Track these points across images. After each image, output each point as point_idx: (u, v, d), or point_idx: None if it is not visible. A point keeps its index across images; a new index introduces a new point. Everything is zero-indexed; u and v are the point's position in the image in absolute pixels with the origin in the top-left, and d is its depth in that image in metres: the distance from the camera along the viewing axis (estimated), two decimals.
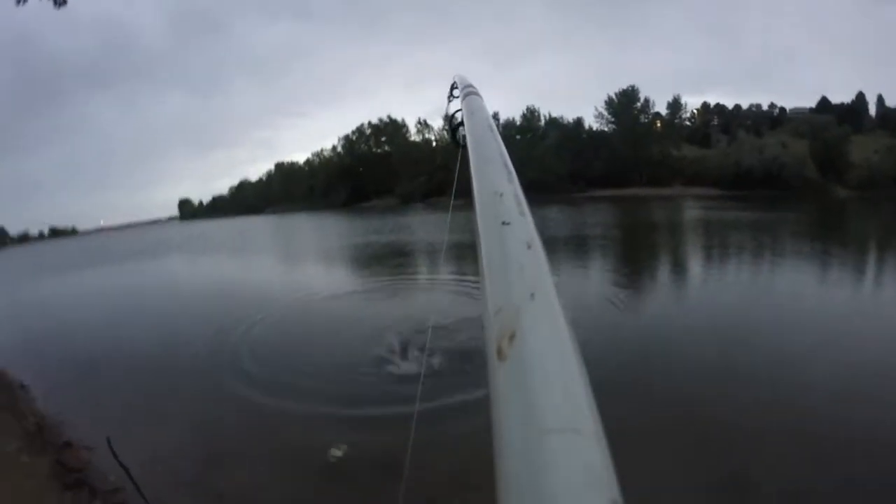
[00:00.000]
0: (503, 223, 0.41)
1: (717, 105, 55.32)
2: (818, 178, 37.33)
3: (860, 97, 51.22)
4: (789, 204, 28.30)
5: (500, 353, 0.29)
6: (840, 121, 43.30)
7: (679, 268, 12.30)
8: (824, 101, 51.83)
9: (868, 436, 3.73)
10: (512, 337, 0.30)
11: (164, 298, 11.63)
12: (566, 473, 0.22)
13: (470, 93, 1.01)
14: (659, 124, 46.58)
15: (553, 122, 48.13)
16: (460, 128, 0.94)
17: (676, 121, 48.86)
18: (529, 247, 0.38)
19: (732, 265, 12.19)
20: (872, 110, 50.82)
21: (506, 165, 0.53)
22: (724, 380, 4.88)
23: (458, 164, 0.79)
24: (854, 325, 6.57)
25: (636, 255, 14.77)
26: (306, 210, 53.43)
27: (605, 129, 45.56)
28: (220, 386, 5.31)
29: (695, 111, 53.75)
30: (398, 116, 59.66)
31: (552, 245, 15.70)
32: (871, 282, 9.81)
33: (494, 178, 0.51)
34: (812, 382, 4.71)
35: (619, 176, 40.23)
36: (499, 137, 0.64)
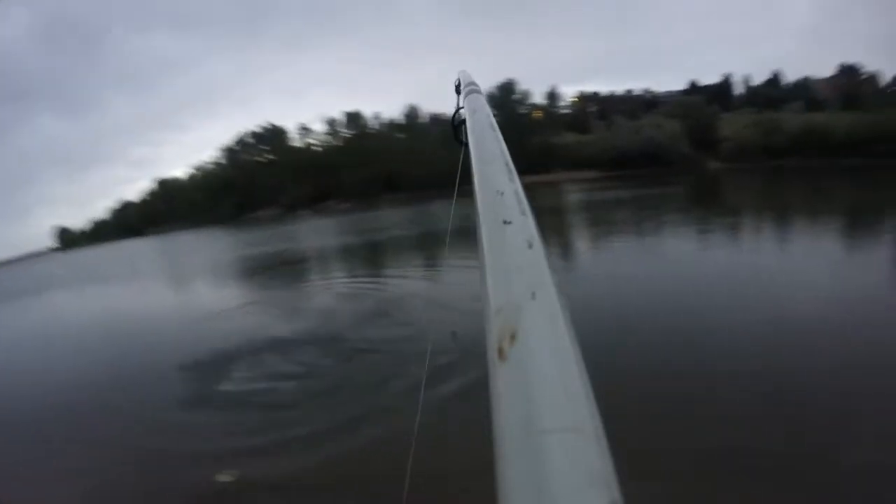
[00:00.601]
0: (504, 222, 0.41)
1: (594, 93, 57.84)
2: (693, 154, 40.17)
3: (727, 78, 55.19)
4: (666, 179, 30.13)
5: (500, 352, 0.29)
6: (710, 100, 46.67)
7: (565, 248, 13.10)
8: (694, 85, 55.22)
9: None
10: (513, 337, 0.30)
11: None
12: (566, 473, 0.22)
13: (472, 91, 1.01)
14: (538, 114, 47.95)
15: (435, 119, 47.82)
16: (462, 125, 0.94)
17: (555, 110, 50.82)
18: (531, 246, 0.38)
19: (610, 240, 13.56)
20: (742, 90, 54.84)
21: (507, 164, 0.53)
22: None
23: (460, 162, 0.79)
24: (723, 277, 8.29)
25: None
26: (191, 227, 49.69)
27: None
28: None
29: (573, 99, 55.77)
30: (280, 123, 57.27)
31: (434, 241, 16.37)
32: (731, 241, 11.82)
33: (495, 176, 0.50)
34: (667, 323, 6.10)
35: None
36: (500, 136, 0.63)
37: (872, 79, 44.94)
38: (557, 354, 0.29)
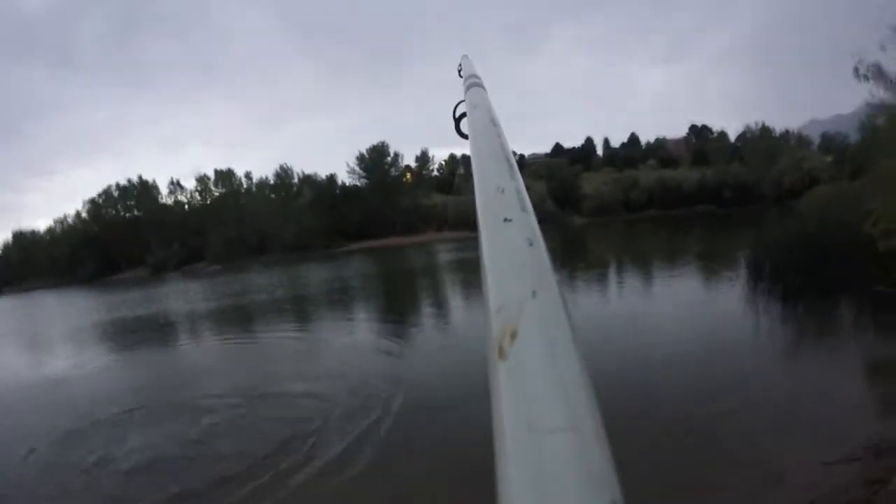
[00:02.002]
0: (505, 220, 0.41)
1: (463, 155, 62.68)
2: (558, 211, 43.82)
3: (589, 141, 61.74)
4: None
5: (500, 351, 0.29)
6: (572, 161, 51.81)
7: (433, 305, 14.76)
8: (558, 146, 61.04)
9: None
10: (513, 335, 0.30)
11: None
12: (567, 473, 0.22)
13: (473, 84, 1.00)
14: (409, 176, 49.79)
15: (307, 180, 48.69)
16: (463, 119, 0.93)
17: (425, 172, 52.93)
18: (531, 244, 0.38)
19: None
20: (601, 151, 61.37)
21: (507, 160, 0.53)
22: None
23: (466, 168, 0.79)
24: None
25: (395, 300, 17.22)
26: (50, 287, 46.60)
27: (358, 183, 47.39)
28: None
29: (442, 162, 58.72)
30: (149, 177, 53.75)
31: (312, 304, 17.42)
32: (597, 283, 14.78)
33: (496, 173, 0.50)
34: None
35: (375, 227, 42.05)
36: (502, 131, 0.63)
37: (719, 137, 50.81)
38: (558, 353, 0.29)
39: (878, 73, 8.02)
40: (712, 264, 16.36)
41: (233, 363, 10.44)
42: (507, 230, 0.40)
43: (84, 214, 55.89)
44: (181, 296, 24.28)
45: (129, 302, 23.86)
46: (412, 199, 44.96)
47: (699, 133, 53.91)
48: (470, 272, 20.44)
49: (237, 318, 16.28)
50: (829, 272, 8.94)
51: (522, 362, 0.28)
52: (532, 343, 0.29)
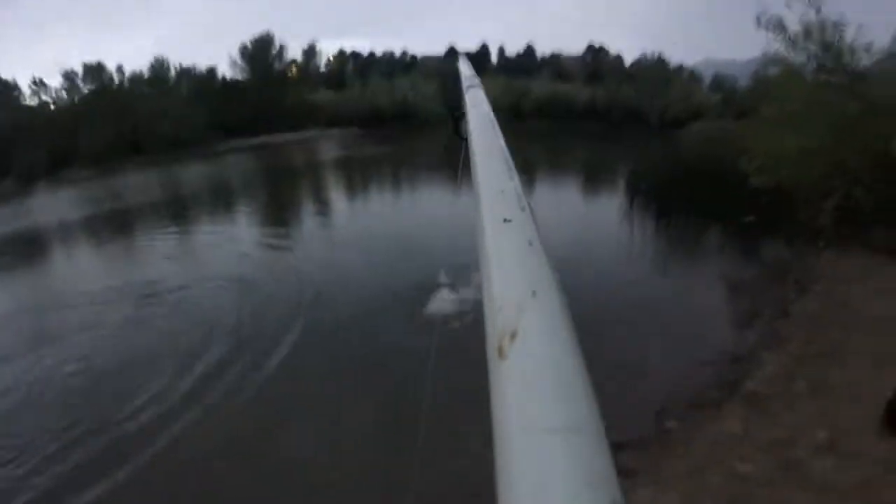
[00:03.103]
0: (504, 220, 0.41)
1: (353, 52, 59.09)
2: (444, 111, 42.38)
3: (484, 47, 59.39)
4: (419, 135, 32.59)
5: (500, 351, 0.29)
6: None
7: (317, 202, 14.97)
8: (452, 50, 57.44)
9: None
10: (513, 335, 0.30)
11: None
12: (567, 473, 0.22)
13: (472, 85, 1.00)
14: (295, 70, 47.32)
15: (185, 73, 44.95)
16: (463, 120, 0.94)
17: (312, 67, 50.27)
18: (531, 244, 0.38)
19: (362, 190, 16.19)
20: (495, 59, 59.30)
21: (507, 161, 0.53)
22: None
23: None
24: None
25: (278, 198, 16.81)
26: None
27: (241, 77, 44.47)
28: None
29: (331, 57, 55.50)
30: (7, 76, 45.76)
31: (191, 204, 16.84)
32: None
33: (496, 174, 0.50)
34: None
35: (259, 124, 39.63)
36: (500, 133, 0.63)
37: (615, 59, 51.01)
38: (558, 353, 0.29)
39: (779, 27, 8.32)
40: (595, 176, 16.74)
41: (110, 270, 9.84)
42: (507, 230, 0.40)
43: None
44: (51, 206, 21.93)
45: None
46: (298, 95, 43.03)
47: (596, 54, 53.40)
48: (353, 169, 20.70)
49: (114, 224, 15.14)
50: (703, 199, 9.34)
51: (522, 362, 0.28)
52: (532, 343, 0.29)
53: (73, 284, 9.12)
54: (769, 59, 9.04)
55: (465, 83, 1.04)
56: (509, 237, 0.39)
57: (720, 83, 41.45)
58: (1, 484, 4.14)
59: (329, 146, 30.64)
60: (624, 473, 3.11)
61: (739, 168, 8.09)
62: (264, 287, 7.65)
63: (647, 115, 37.03)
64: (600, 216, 10.94)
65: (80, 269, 10.77)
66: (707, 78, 44.77)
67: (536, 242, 0.38)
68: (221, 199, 17.20)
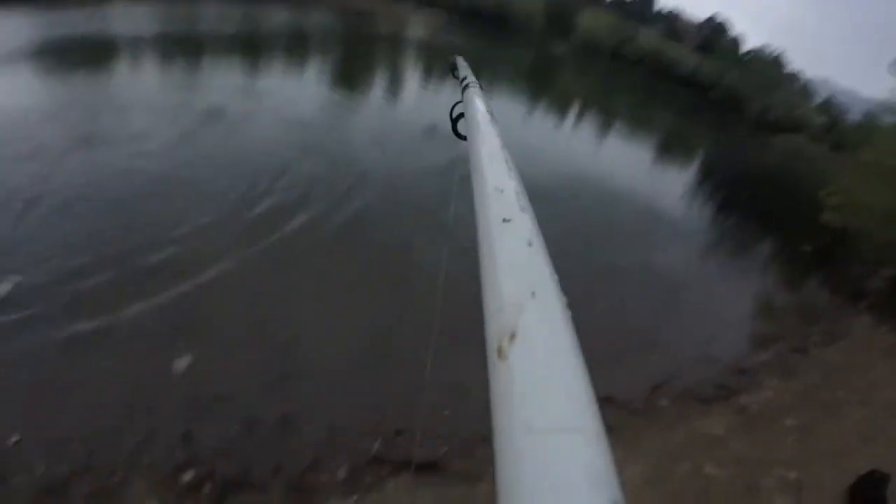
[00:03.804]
0: (504, 220, 0.41)
1: None
2: (544, 31, 41.73)
3: None
4: (510, 45, 31.85)
5: (500, 352, 0.29)
6: None
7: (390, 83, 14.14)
8: None
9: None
10: (513, 336, 0.30)
11: None
12: (567, 473, 0.22)
13: (469, 84, 1.00)
14: None
15: None
16: (461, 119, 0.93)
17: None
18: (530, 244, 0.38)
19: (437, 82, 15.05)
20: None
21: (506, 161, 0.53)
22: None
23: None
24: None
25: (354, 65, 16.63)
26: None
27: None
28: None
29: None
30: None
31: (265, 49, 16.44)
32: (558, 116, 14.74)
33: (494, 173, 0.50)
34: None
35: None
36: (498, 130, 0.63)
37: (732, 41, 48.64)
38: (557, 354, 0.29)
39: None
40: (673, 145, 16.39)
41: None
42: (507, 230, 0.40)
43: None
44: (127, 18, 20.31)
45: (65, 21, 20.15)
46: None
47: (716, 27, 50.72)
48: (433, 56, 19.88)
49: (185, 49, 14.70)
50: (771, 210, 9.50)
51: (522, 363, 0.28)
52: (532, 344, 0.29)
53: (132, 93, 9.04)
54: (889, 107, 8.96)
55: (462, 82, 1.03)
56: (509, 237, 0.39)
57: (830, 107, 39.96)
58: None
59: (417, 24, 29.86)
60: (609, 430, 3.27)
61: (817, 197, 8.07)
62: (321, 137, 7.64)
63: (745, 107, 35.23)
64: (665, 188, 10.64)
65: (143, 83, 10.41)
66: (819, 97, 42.94)
67: (536, 242, 0.38)
68: (295, 52, 16.86)
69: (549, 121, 14.03)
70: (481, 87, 0.97)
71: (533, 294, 0.33)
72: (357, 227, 5.51)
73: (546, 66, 29.48)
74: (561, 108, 16.56)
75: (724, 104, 36.03)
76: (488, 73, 18.77)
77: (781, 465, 3.53)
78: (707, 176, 11.37)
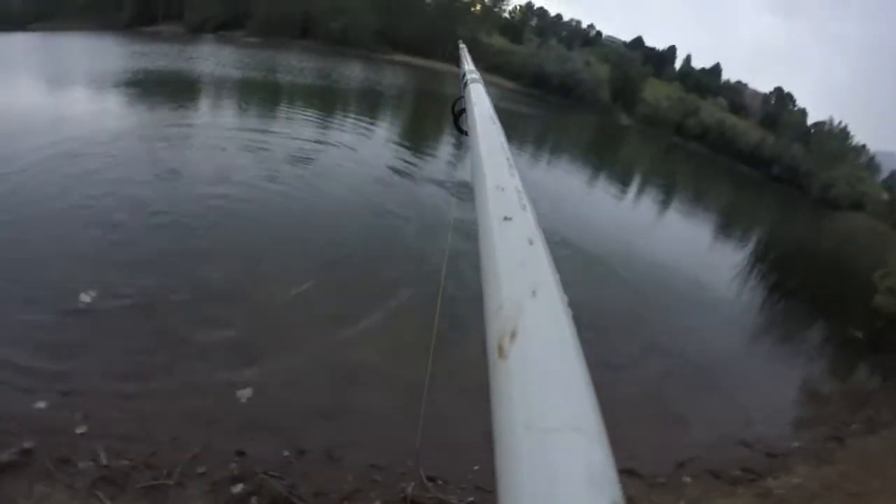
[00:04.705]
0: (505, 218, 0.41)
1: (540, 8, 58.80)
2: (608, 102, 42.26)
3: (671, 49, 57.51)
4: (575, 115, 32.78)
5: (500, 351, 0.29)
6: (645, 61, 48.45)
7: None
8: (639, 40, 56.82)
9: None
10: (513, 335, 0.30)
11: None
12: (567, 473, 0.22)
13: (473, 80, 1.00)
14: (478, 7, 47.24)
15: None
16: (463, 115, 0.93)
17: (496, 9, 50.13)
18: (531, 243, 0.38)
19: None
20: (678, 65, 57.70)
21: (507, 159, 0.52)
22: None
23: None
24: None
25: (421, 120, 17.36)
26: (81, 28, 40.54)
27: None
28: None
29: (518, 6, 55.32)
30: None
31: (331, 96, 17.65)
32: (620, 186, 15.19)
33: (496, 171, 0.50)
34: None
35: (425, 46, 39.71)
36: (501, 128, 0.62)
37: (797, 113, 48.38)
38: (558, 352, 0.29)
39: None
40: (729, 222, 16.34)
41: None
42: (507, 229, 0.40)
43: None
44: (213, 58, 23.25)
45: (155, 54, 21.99)
46: (472, 31, 41.41)
47: (781, 98, 50.87)
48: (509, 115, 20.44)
49: (264, 92, 16.29)
50: (825, 292, 9.23)
51: (522, 362, 0.28)
52: (532, 343, 0.29)
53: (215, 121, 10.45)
54: None
55: (466, 77, 1.03)
56: (509, 236, 0.39)
57: (894, 183, 39.27)
58: None
59: (490, 91, 31.12)
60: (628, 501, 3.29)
61: (871, 278, 7.82)
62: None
63: (807, 183, 34.76)
64: (718, 266, 10.62)
65: (222, 117, 11.73)
66: (885, 171, 42.06)
67: (537, 241, 0.38)
68: (366, 103, 17.81)
69: (608, 190, 14.26)
70: (483, 83, 0.96)
71: (534, 293, 0.32)
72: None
73: (609, 137, 29.97)
74: (621, 179, 16.90)
75: (785, 180, 35.88)
76: (552, 140, 19.54)
77: None
78: (761, 256, 11.32)
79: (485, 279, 0.36)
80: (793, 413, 5.94)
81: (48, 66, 17.27)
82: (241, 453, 3.09)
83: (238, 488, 2.86)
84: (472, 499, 3.14)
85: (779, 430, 5.29)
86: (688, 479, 3.94)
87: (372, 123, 14.12)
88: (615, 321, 5.99)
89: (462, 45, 1.22)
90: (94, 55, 20.87)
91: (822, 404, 6.35)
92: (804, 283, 9.63)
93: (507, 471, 0.23)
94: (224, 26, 41.59)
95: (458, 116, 1.01)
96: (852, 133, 41.22)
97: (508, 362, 0.28)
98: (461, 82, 1.04)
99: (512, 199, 0.44)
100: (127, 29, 42.78)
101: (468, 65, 1.14)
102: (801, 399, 6.43)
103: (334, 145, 10.53)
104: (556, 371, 0.28)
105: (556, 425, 0.24)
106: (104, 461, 2.85)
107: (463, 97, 0.94)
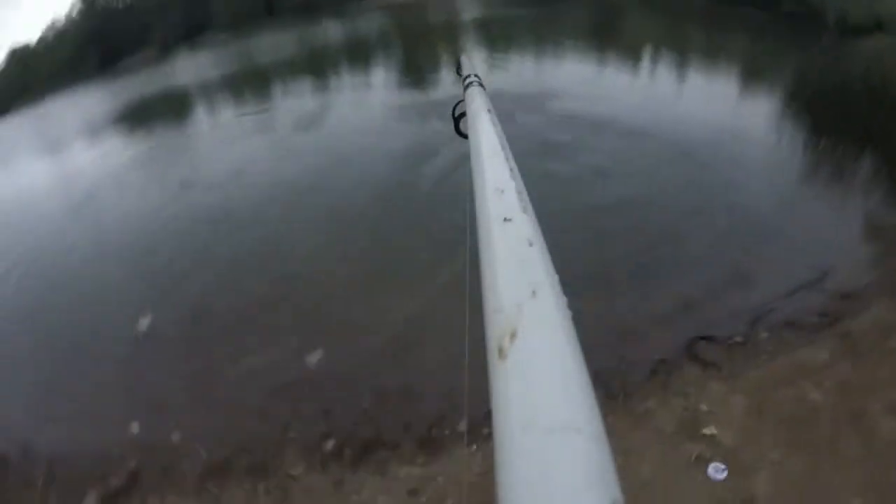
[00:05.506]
0: (504, 220, 0.41)
1: None
2: None
3: None
4: (567, 4, 27.92)
5: (500, 351, 0.29)
6: None
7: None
8: None
9: None
10: (513, 336, 0.30)
11: None
12: (567, 473, 0.22)
13: (473, 83, 1.00)
14: None
15: None
16: (463, 118, 0.93)
17: None
18: (531, 244, 0.38)
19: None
20: None
21: (507, 160, 0.53)
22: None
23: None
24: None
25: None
26: (55, 91, 39.34)
27: None
28: None
29: None
30: None
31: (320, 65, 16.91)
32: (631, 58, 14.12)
33: (495, 173, 0.50)
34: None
35: None
36: (501, 130, 0.63)
37: None
38: (558, 353, 0.29)
39: None
40: (755, 70, 15.08)
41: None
42: (508, 230, 0.40)
43: (75, 14, 47.95)
44: (190, 68, 23.38)
45: (135, 84, 22.01)
46: None
47: None
48: (491, 35, 19.18)
49: (249, 81, 16.23)
50: (862, 120, 8.37)
51: (522, 362, 0.28)
52: (532, 343, 0.29)
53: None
54: None
55: (465, 80, 1.03)
56: (509, 237, 0.39)
57: None
58: None
59: (468, 4, 27.76)
60: (704, 364, 3.35)
61: None
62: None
63: (823, 13, 32.04)
64: (750, 119, 9.55)
65: (217, 116, 12.15)
66: None
67: (537, 242, 0.38)
68: (354, 59, 17.36)
69: (620, 71, 13.18)
70: (483, 86, 0.96)
71: (533, 294, 0.32)
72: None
73: (606, 19, 26.50)
74: (630, 57, 15.25)
75: (798, 16, 33.78)
76: (549, 39, 17.88)
77: (888, 387, 3.35)
78: (795, 96, 10.35)
79: (485, 280, 0.36)
80: (860, 249, 5.60)
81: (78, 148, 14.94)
82: (326, 412, 3.28)
83: (330, 444, 3.05)
84: None
85: (849, 269, 4.98)
86: (765, 335, 3.84)
87: (366, 75, 14.06)
88: (655, 183, 5.93)
89: (464, 54, 1.23)
90: (94, 117, 18.65)
91: (886, 236, 5.94)
92: (844, 115, 8.79)
93: (507, 470, 0.23)
94: (191, 34, 40.22)
95: (458, 120, 1.01)
96: None
97: (508, 363, 0.28)
98: (462, 86, 1.04)
99: (512, 200, 0.44)
100: (99, 72, 40.39)
101: (469, 68, 1.14)
102: (865, 234, 6.02)
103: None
104: (555, 371, 0.28)
105: (556, 425, 0.24)
106: (204, 456, 3.10)
107: (463, 101, 0.94)
